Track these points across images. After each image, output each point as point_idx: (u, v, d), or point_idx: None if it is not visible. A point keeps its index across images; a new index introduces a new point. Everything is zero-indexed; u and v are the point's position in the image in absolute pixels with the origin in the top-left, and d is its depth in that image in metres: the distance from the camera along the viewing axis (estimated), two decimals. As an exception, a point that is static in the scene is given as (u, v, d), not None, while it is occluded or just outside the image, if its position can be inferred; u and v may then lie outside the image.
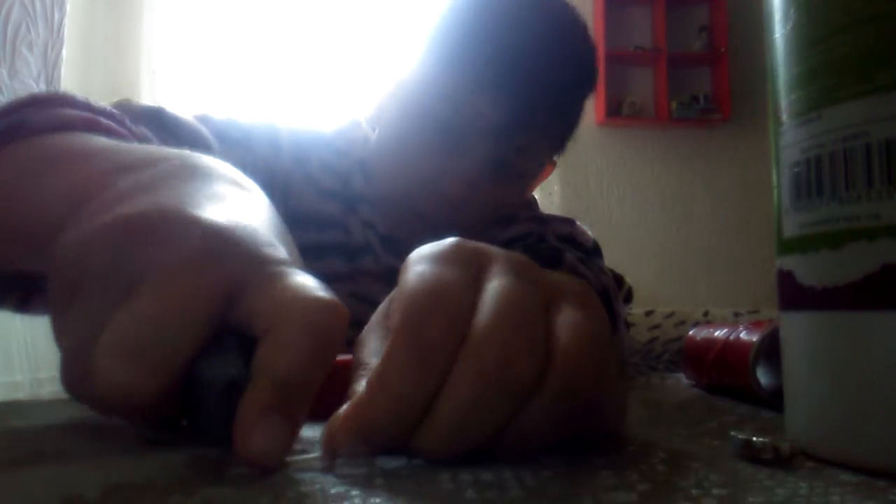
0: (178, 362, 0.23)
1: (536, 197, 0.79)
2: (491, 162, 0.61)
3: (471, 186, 0.61)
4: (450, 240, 0.27)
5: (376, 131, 0.69)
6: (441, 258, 0.26)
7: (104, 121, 0.44)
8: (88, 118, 0.43)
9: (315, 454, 0.24)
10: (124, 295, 0.23)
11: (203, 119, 0.61)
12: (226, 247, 0.25)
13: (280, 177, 0.65)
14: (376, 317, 0.28)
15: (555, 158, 0.72)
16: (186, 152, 0.34)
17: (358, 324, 0.68)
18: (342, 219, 0.67)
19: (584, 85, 0.66)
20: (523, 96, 0.59)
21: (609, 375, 0.25)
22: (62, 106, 0.43)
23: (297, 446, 0.26)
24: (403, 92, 0.65)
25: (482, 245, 0.28)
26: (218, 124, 0.62)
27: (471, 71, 0.59)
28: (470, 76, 0.59)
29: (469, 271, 0.25)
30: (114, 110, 0.48)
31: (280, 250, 0.27)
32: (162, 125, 0.54)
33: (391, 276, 0.67)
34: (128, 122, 0.48)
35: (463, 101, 0.59)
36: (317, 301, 0.24)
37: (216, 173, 0.32)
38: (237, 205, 0.29)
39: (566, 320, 0.25)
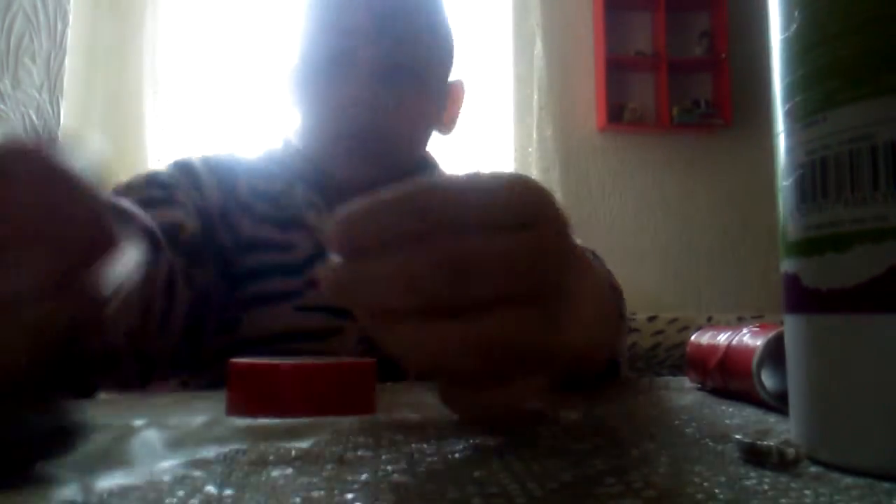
0: None
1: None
2: (379, 63, 0.68)
3: (372, 90, 0.67)
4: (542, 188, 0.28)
5: (299, 122, 0.76)
6: (505, 182, 0.27)
7: None
8: None
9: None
10: None
11: (129, 187, 0.65)
12: None
13: (213, 211, 0.69)
14: None
15: (458, 80, 0.79)
16: None
17: (315, 333, 0.71)
18: (280, 240, 0.70)
19: None
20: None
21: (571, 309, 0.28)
22: None
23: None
24: (296, 69, 0.74)
25: (562, 217, 0.28)
26: (140, 188, 0.66)
27: (325, 5, 0.70)
28: (326, 8, 0.70)
29: (514, 210, 0.26)
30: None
31: None
32: None
33: None
34: None
35: (334, 24, 0.69)
36: None
37: None
38: None
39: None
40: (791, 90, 0.26)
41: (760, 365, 0.40)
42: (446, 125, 0.81)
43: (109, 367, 0.52)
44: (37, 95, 2.18)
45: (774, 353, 0.40)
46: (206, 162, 0.73)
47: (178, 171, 0.70)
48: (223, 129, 2.72)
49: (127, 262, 0.31)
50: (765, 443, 0.25)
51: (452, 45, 0.77)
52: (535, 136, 2.81)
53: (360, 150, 0.69)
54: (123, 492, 0.20)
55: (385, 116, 0.68)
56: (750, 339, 0.43)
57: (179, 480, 0.21)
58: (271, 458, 0.25)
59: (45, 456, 0.23)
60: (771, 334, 0.41)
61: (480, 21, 2.96)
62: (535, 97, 2.84)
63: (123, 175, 0.67)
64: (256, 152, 0.78)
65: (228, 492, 0.20)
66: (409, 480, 0.22)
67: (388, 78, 0.69)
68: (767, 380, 0.40)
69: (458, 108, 0.82)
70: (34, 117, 2.18)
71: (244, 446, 0.27)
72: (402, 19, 0.70)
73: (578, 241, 0.65)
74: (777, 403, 0.39)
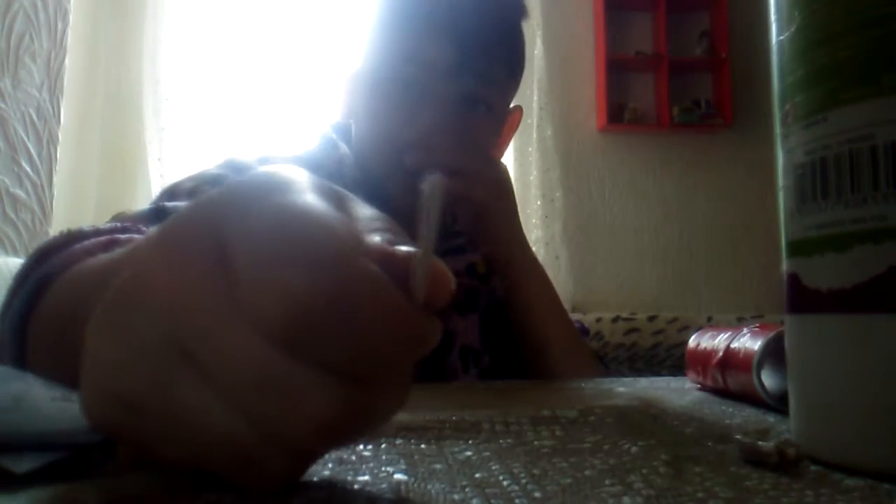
0: None
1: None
2: (455, 97, 0.67)
3: (441, 123, 0.65)
4: None
5: (353, 131, 0.74)
6: None
7: (121, 236, 0.47)
8: (106, 241, 0.46)
9: None
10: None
11: (193, 193, 0.64)
12: None
13: None
14: None
15: (517, 105, 0.79)
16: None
17: None
18: None
19: (516, 10, 0.73)
20: (465, 31, 0.66)
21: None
22: (76, 242, 0.46)
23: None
24: (363, 78, 0.71)
25: None
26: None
27: (412, 25, 0.67)
28: (412, 30, 0.67)
29: None
30: (124, 224, 0.52)
31: None
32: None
33: None
34: (141, 227, 0.52)
35: (413, 54, 0.67)
36: None
37: None
38: None
39: None
40: (791, 90, 0.26)
41: (760, 365, 0.40)
42: (499, 149, 0.79)
43: None
44: (37, 95, 2.18)
45: (774, 353, 0.40)
46: (263, 164, 0.70)
47: (235, 174, 0.67)
48: (223, 130, 2.72)
49: None
50: (765, 443, 0.25)
51: (522, 74, 0.75)
52: (535, 136, 2.81)
53: (417, 185, 0.67)
54: (123, 489, 0.20)
55: (450, 155, 0.66)
56: (750, 339, 0.43)
57: (180, 480, 0.21)
58: (271, 458, 0.25)
59: (90, 462, 0.23)
60: (771, 334, 0.41)
61: (480, 21, 2.95)
62: (535, 97, 2.84)
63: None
64: (290, 152, 0.75)
65: (229, 491, 0.20)
66: (409, 480, 0.22)
67: (462, 112, 0.67)
68: (767, 380, 0.40)
69: (512, 134, 0.81)
70: (34, 117, 2.18)
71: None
72: (485, 56, 0.68)
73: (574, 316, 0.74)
74: (777, 403, 0.39)
